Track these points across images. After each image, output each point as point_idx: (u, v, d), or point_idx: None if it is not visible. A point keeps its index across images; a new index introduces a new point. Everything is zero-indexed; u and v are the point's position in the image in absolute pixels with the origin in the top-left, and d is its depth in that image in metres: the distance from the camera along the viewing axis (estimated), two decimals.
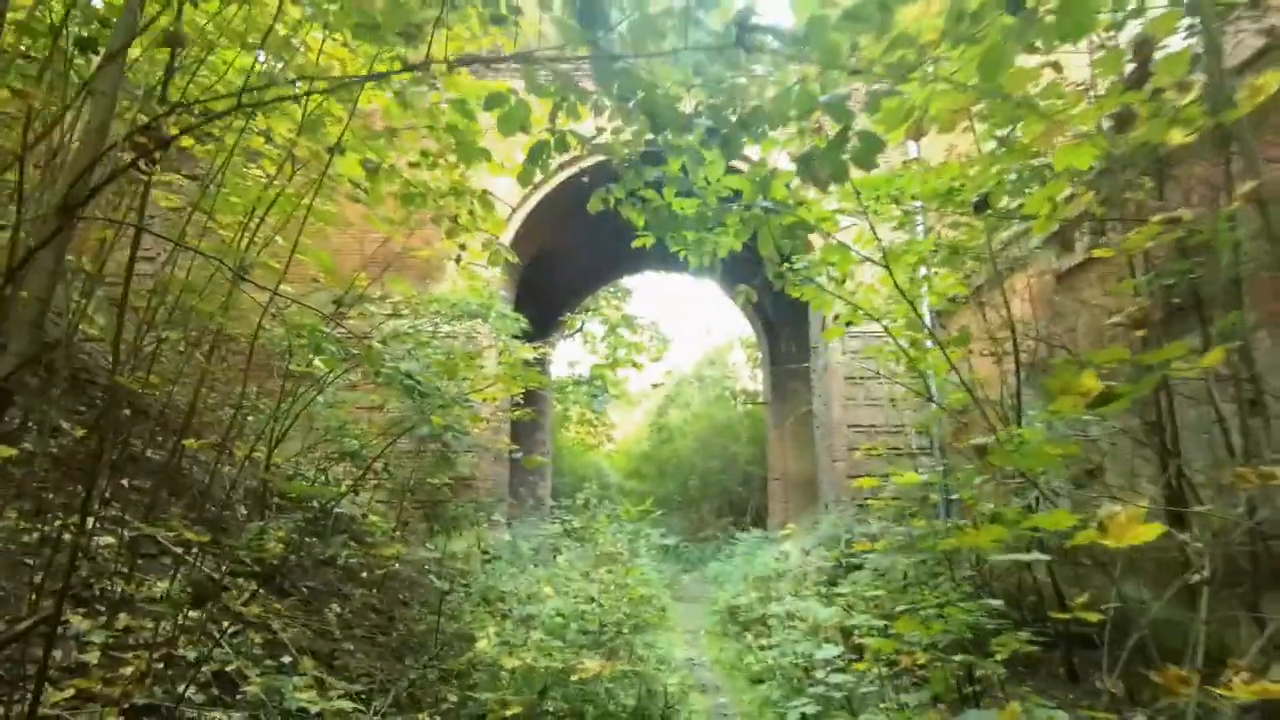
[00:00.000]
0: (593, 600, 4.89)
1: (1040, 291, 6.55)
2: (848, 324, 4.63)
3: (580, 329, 23.79)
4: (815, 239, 5.94)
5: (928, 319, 9.46)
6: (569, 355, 45.16)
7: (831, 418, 9.54)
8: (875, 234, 3.61)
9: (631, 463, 22.42)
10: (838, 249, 3.74)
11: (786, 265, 4.25)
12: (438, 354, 4.75)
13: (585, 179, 10.53)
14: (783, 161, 3.60)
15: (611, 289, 23.37)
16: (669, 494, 18.15)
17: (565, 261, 13.72)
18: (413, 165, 4.60)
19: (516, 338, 7.95)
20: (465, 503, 8.36)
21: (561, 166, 10.42)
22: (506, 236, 10.41)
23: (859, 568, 7.40)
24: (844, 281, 4.27)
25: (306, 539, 5.61)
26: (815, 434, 10.60)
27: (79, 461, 4.84)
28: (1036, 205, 3.14)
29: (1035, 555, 1.48)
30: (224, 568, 4.59)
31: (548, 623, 4.41)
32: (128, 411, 5.23)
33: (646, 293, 24.60)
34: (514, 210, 10.37)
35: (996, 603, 3.76)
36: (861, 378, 9.50)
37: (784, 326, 13.89)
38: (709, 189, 3.44)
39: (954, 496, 8.65)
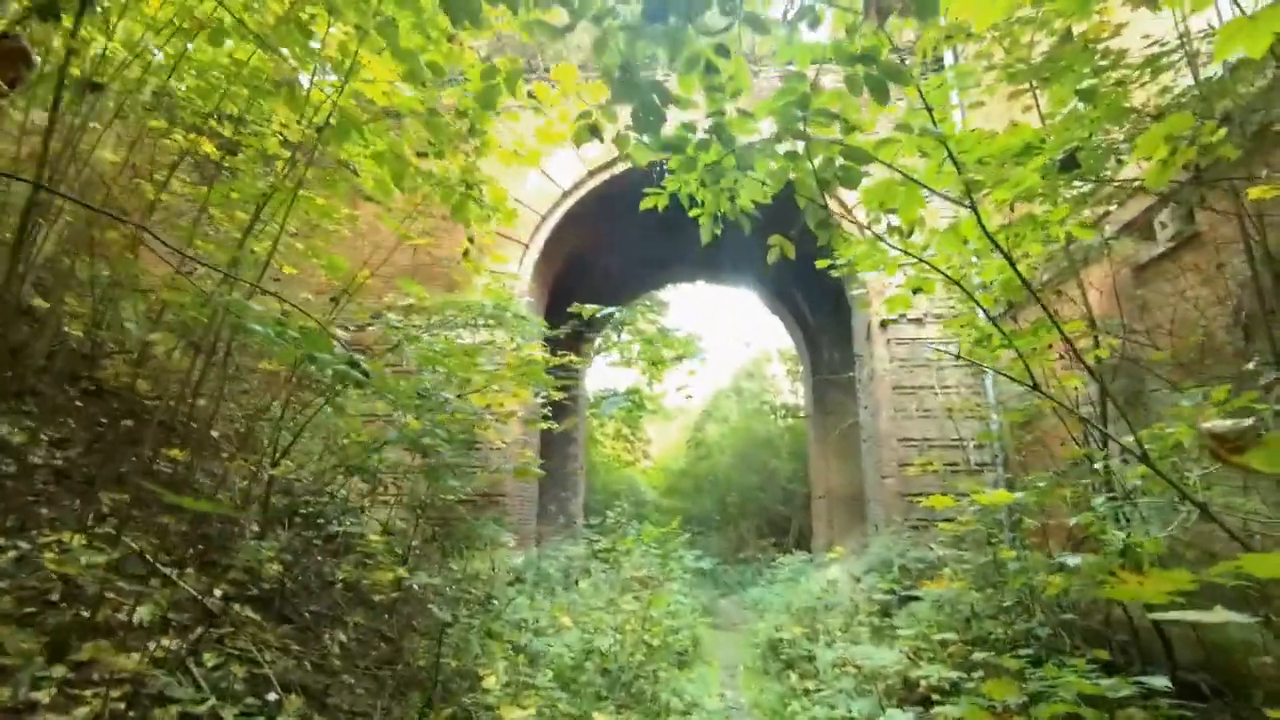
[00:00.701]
0: (614, 633, 4.37)
1: (1119, 285, 5.85)
2: (915, 290, 3.92)
3: (617, 329, 23.44)
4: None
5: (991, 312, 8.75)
6: (604, 370, 44.79)
7: (879, 430, 8.88)
8: (954, 159, 2.95)
9: (668, 479, 21.84)
10: (899, 185, 3.08)
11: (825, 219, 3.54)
12: (449, 359, 4.33)
13: (615, 182, 10.15)
14: (826, 81, 3.04)
15: (647, 301, 23.00)
16: (706, 512, 17.51)
17: (597, 272, 13.33)
18: (420, 155, 4.21)
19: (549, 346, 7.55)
20: (485, 520, 7.92)
21: (592, 173, 10.05)
22: (535, 245, 10.06)
23: (915, 598, 6.73)
24: (910, 233, 3.59)
25: (311, 559, 5.24)
26: (861, 448, 9.92)
27: (82, 474, 4.55)
28: (1149, 147, 2.53)
29: (1233, 616, 0.99)
30: (217, 591, 4.23)
31: (557, 664, 3.91)
32: (130, 422, 4.94)
33: (683, 305, 24.11)
34: (543, 219, 10.02)
35: (1101, 655, 3.11)
36: (912, 387, 8.83)
37: (825, 335, 13.23)
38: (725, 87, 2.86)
39: (1016, 519, 7.90)
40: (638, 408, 26.25)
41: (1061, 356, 6.60)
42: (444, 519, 8.10)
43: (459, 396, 3.60)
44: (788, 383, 20.37)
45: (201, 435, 5.64)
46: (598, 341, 23.89)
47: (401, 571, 3.99)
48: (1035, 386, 3.84)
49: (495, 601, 5.97)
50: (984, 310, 3.42)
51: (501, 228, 10.20)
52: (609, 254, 13.02)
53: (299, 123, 3.52)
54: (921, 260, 3.33)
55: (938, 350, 8.13)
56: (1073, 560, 5.73)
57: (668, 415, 28.41)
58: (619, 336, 24.81)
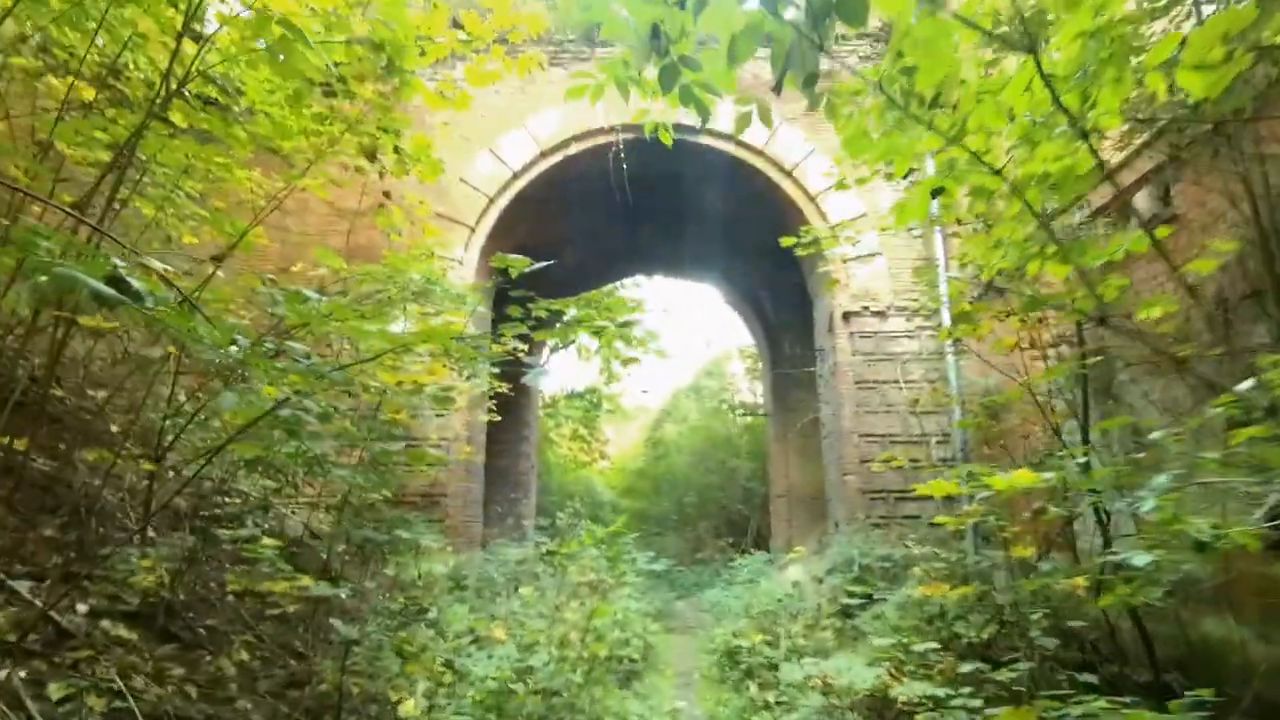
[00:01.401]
0: (553, 647, 3.89)
1: (1089, 270, 5.57)
2: (935, 193, 3.22)
3: (572, 325, 22.86)
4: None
5: (946, 301, 8.51)
6: (560, 369, 44.08)
7: (841, 426, 8.55)
8: None
9: (625, 480, 21.36)
10: (924, 13, 2.26)
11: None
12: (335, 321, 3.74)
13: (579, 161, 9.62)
14: None
15: (608, 293, 22.50)
16: (664, 513, 17.09)
17: (556, 258, 12.76)
18: (328, 93, 3.64)
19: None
20: (419, 521, 7.32)
21: (544, 154, 9.52)
22: (483, 230, 9.47)
23: (879, 599, 6.38)
24: (934, 102, 2.92)
25: (213, 567, 4.62)
26: (823, 445, 9.59)
27: None
28: (1205, 46, 2.01)
29: None
30: (81, 607, 3.60)
31: (484, 685, 3.40)
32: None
33: (645, 301, 23.69)
34: (491, 201, 9.44)
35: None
36: (875, 381, 8.52)
37: (788, 333, 12.93)
38: None
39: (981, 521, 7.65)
40: (595, 407, 25.78)
41: (1030, 346, 6.33)
42: (376, 521, 7.51)
43: (354, 364, 3.05)
44: (748, 381, 20.10)
45: (90, 425, 4.96)
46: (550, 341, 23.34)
47: (306, 580, 3.42)
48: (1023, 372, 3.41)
49: (429, 612, 5.41)
50: (1033, 212, 2.86)
51: (445, 209, 9.63)
52: (567, 246, 12.48)
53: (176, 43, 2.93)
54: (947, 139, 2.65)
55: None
56: (1046, 566, 5.43)
57: (626, 415, 27.94)
58: (575, 334, 24.35)
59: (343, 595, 3.18)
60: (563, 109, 9.53)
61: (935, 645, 3.88)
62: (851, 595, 6.28)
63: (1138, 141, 5.13)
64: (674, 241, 12.44)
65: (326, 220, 9.46)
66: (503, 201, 9.50)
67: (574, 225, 11.63)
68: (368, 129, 3.59)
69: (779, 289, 12.96)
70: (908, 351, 8.50)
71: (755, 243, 11.86)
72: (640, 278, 17.28)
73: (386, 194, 4.40)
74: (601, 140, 9.50)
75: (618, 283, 18.90)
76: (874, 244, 8.85)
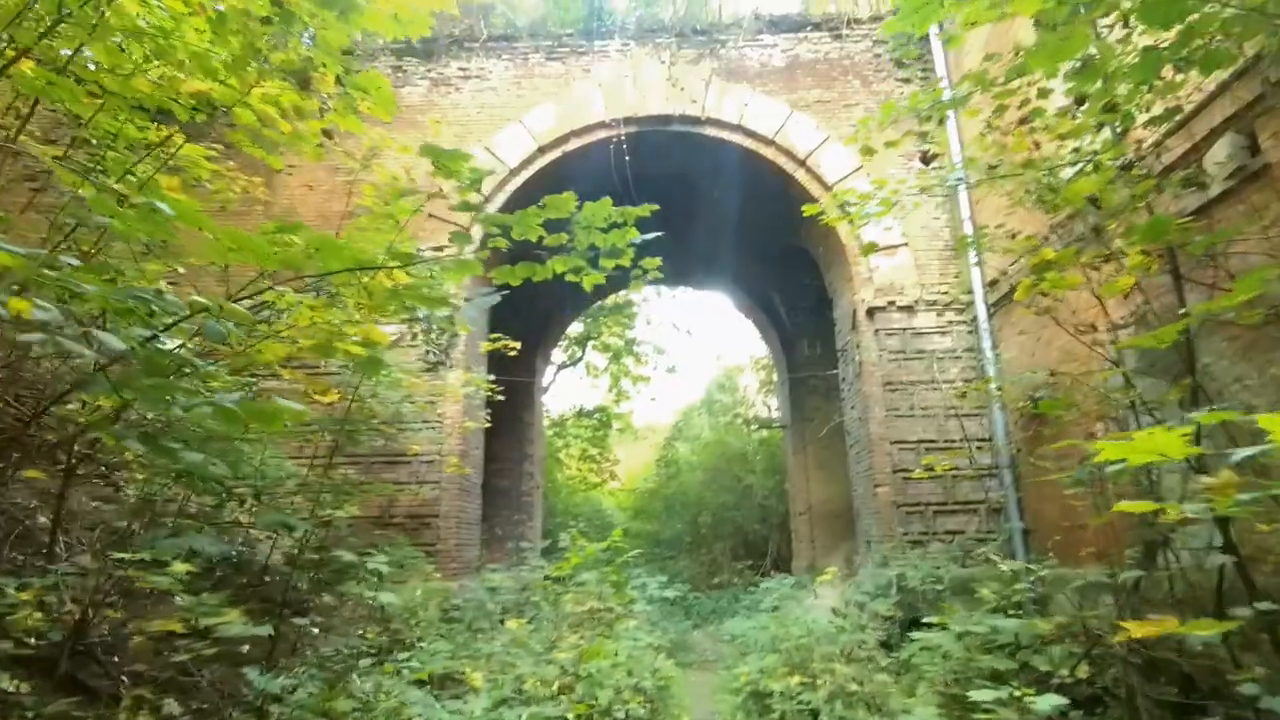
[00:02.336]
0: (537, 692, 3.15)
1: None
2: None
3: (581, 342, 22.17)
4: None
5: (980, 287, 7.75)
6: (569, 387, 43.30)
7: (870, 433, 7.78)
8: None
9: (636, 501, 20.54)
10: None
11: None
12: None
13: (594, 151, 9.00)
14: None
15: (611, 309, 21.82)
16: (677, 535, 16.24)
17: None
18: (264, 21, 2.99)
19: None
20: (401, 544, 6.62)
21: (543, 149, 8.92)
22: (479, 229, 8.84)
23: (920, 623, 5.58)
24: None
25: (134, 602, 3.93)
26: (849, 456, 8.81)
27: None
28: None
29: None
30: None
31: None
32: None
33: (653, 311, 22.89)
34: (486, 200, 8.82)
35: None
36: (906, 382, 7.76)
37: (803, 337, 12.20)
38: None
39: (1023, 526, 6.83)
40: (604, 426, 25.00)
41: (1091, 328, 5.58)
42: (359, 545, 6.81)
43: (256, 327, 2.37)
44: (761, 394, 19.31)
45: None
46: (557, 355, 22.65)
47: (230, 616, 2.71)
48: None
49: (407, 649, 4.67)
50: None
51: (435, 208, 9.02)
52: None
53: None
54: None
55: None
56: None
57: (636, 434, 27.15)
58: (584, 350, 23.67)
59: (263, 632, 2.47)
60: (561, 103, 8.96)
61: (1017, 693, 3.10)
62: (893, 621, 5.49)
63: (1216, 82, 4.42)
64: (682, 245, 11.76)
65: (314, 224, 8.86)
66: (499, 200, 8.89)
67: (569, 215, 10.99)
68: (295, 48, 2.94)
69: (793, 292, 12.26)
70: (940, 349, 7.76)
71: (767, 243, 11.20)
72: (651, 285, 16.69)
73: (327, 133, 3.73)
74: (601, 135, 8.91)
75: (622, 292, 18.31)
76: (897, 235, 8.14)
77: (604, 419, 24.03)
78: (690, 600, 10.44)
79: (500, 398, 8.97)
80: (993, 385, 6.82)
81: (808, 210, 5.39)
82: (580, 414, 23.97)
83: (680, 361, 48.95)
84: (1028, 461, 6.82)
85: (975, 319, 7.45)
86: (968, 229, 7.61)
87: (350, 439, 5.74)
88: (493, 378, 8.88)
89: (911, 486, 7.54)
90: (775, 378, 16.18)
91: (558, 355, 23.62)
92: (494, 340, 7.19)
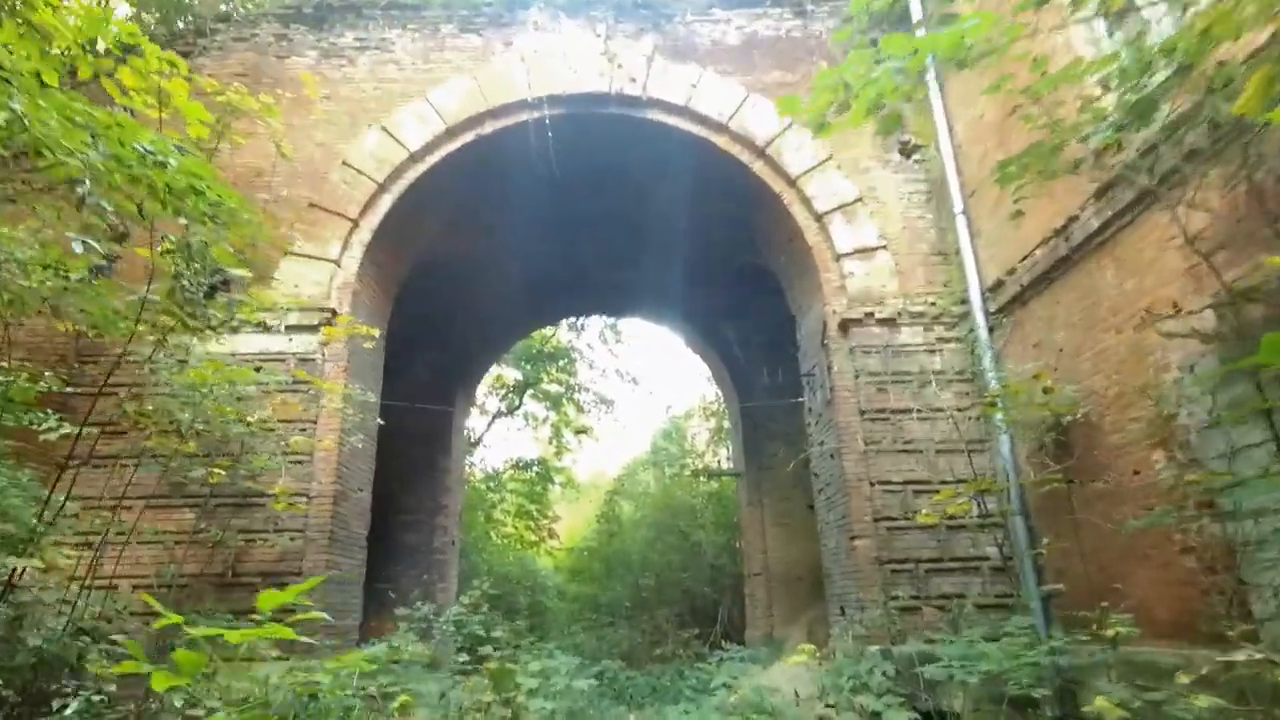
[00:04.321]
0: None
1: (1264, 189, 3.58)
2: None
3: (519, 390, 20.39)
4: None
5: (978, 293, 6.42)
6: (510, 439, 41.11)
7: (844, 473, 6.33)
8: None
9: (574, 561, 18.57)
10: None
11: None
12: None
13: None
14: None
15: (550, 354, 20.20)
16: (616, 599, 14.34)
17: (474, 288, 10.57)
18: None
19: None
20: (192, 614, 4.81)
21: (451, 132, 7.48)
22: (368, 224, 7.23)
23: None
24: None
25: None
26: (818, 503, 7.31)
27: None
28: None
29: None
30: None
31: None
32: None
33: (595, 358, 21.35)
34: (380, 188, 7.28)
35: None
36: (887, 411, 6.38)
37: (758, 373, 10.82)
38: None
39: (1045, 590, 5.39)
40: (544, 480, 23.04)
41: (1147, 317, 4.28)
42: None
43: None
44: (711, 446, 17.83)
45: None
46: (485, 395, 20.80)
47: None
48: None
49: None
50: None
51: (321, 198, 7.40)
52: (493, 262, 10.34)
53: None
54: None
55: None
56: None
57: (578, 490, 25.21)
58: (521, 399, 21.90)
59: None
60: (475, 79, 7.58)
61: None
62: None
63: None
64: (623, 260, 10.39)
65: None
66: (397, 189, 7.35)
67: (497, 233, 9.51)
68: None
69: (747, 322, 10.95)
70: (928, 370, 6.43)
71: (720, 261, 9.90)
72: (593, 316, 15.26)
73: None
74: (524, 117, 7.53)
75: (557, 322, 16.74)
76: (874, 235, 6.90)
77: (544, 473, 22.17)
78: (623, 681, 8.61)
79: (380, 422, 7.25)
80: (998, 415, 5.47)
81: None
82: (518, 466, 22.04)
83: (625, 412, 47.30)
84: (1048, 506, 5.43)
85: (972, 332, 6.16)
86: (961, 226, 6.39)
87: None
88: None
89: (898, 539, 6.07)
90: (727, 423, 14.75)
91: (494, 404, 21.85)
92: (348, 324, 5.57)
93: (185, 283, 4.02)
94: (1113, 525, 4.50)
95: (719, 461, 16.95)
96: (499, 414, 21.52)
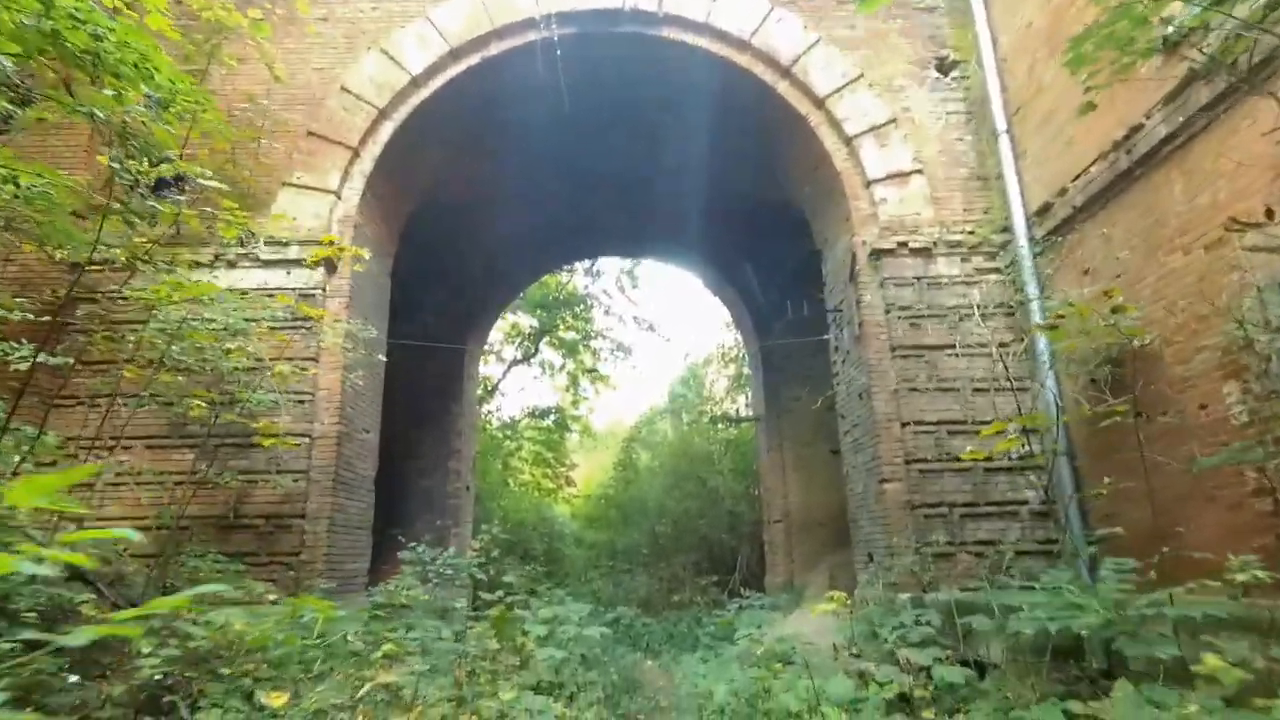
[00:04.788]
0: None
1: None
2: None
3: (534, 337, 20.11)
4: None
5: (1022, 217, 5.89)
6: (527, 389, 41.04)
7: (874, 414, 5.95)
8: None
9: (591, 508, 18.55)
10: None
11: None
12: None
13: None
14: None
15: (566, 300, 19.79)
16: (633, 545, 14.25)
17: (484, 229, 10.15)
18: None
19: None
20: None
21: (455, 54, 6.97)
22: (369, 154, 6.81)
23: (975, 664, 3.74)
24: None
25: None
26: (844, 446, 6.96)
27: None
28: None
29: None
30: None
31: None
32: None
33: (613, 305, 20.88)
34: (381, 114, 6.84)
35: None
36: (921, 347, 5.96)
37: (779, 313, 10.38)
38: None
39: (1098, 534, 5.04)
40: (560, 428, 22.93)
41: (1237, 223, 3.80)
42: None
43: None
44: (730, 388, 17.49)
45: None
46: (500, 343, 20.55)
47: None
48: None
49: None
50: None
51: (319, 126, 6.96)
52: (505, 206, 9.91)
53: None
54: None
55: None
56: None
57: (595, 438, 25.13)
58: (537, 347, 21.62)
59: None
60: None
61: None
62: (929, 675, 3.62)
63: None
64: (638, 198, 9.89)
65: None
66: (399, 116, 6.90)
67: (505, 170, 9.04)
68: None
69: (769, 259, 10.46)
70: (966, 304, 5.97)
71: (740, 197, 9.38)
72: (609, 257, 14.80)
73: None
74: (531, 37, 6.99)
75: (569, 265, 16.31)
76: (909, 159, 6.37)
77: (560, 421, 22.05)
78: (639, 628, 8.47)
79: (383, 359, 6.97)
80: (1053, 341, 5.03)
81: None
82: (534, 414, 21.90)
83: (643, 359, 47.00)
84: (1096, 446, 5.04)
85: (1015, 262, 5.68)
86: (1004, 147, 5.85)
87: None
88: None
89: (931, 482, 5.73)
90: (747, 368, 14.38)
91: (510, 353, 21.59)
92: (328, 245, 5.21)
93: (125, 172, 3.61)
94: (1179, 464, 4.10)
95: (737, 410, 16.65)
96: (515, 362, 21.31)
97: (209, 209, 4.68)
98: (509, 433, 20.99)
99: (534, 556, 13.51)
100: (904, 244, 6.10)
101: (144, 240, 4.22)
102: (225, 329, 4.91)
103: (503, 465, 19.36)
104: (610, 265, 18.45)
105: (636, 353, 40.21)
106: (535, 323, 20.41)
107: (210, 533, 6.01)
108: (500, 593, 5.98)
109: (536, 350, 21.12)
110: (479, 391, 17.87)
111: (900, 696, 3.36)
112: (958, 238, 6.05)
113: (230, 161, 5.94)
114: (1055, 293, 5.40)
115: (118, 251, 4.14)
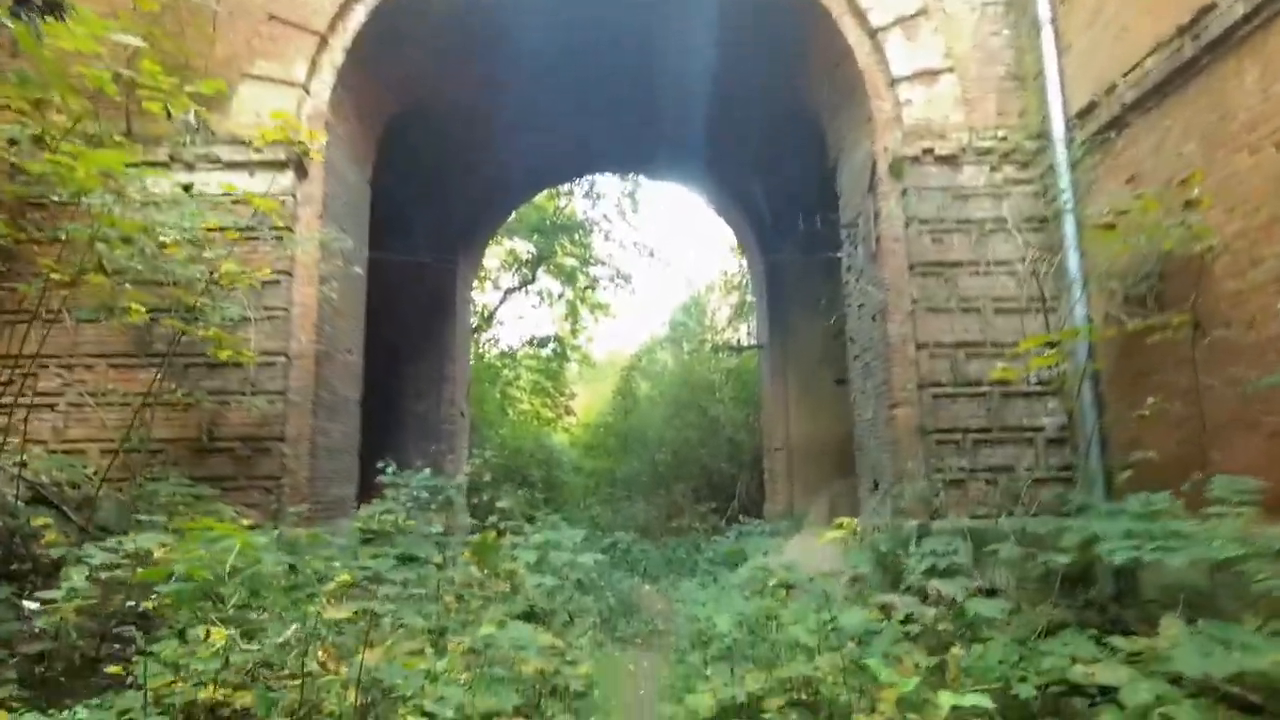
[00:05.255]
0: None
1: None
2: None
3: (531, 263, 19.57)
4: None
5: (1060, 117, 5.38)
6: (525, 318, 40.66)
7: (887, 336, 5.58)
8: None
9: (590, 437, 18.45)
10: None
11: None
12: None
13: None
14: None
15: (563, 224, 19.11)
16: (633, 473, 14.17)
17: (473, 143, 9.51)
18: None
19: None
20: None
21: None
22: (339, 43, 6.15)
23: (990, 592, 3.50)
24: None
25: None
26: (852, 371, 6.62)
27: None
28: None
29: None
30: None
31: None
32: None
33: (613, 230, 20.17)
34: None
35: None
36: (942, 264, 5.54)
37: (786, 233, 9.87)
38: None
39: (1132, 459, 4.76)
40: (559, 357, 22.64)
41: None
42: None
43: None
44: (732, 323, 17.10)
45: None
46: (496, 271, 20.02)
47: None
48: None
49: None
50: None
51: (281, 8, 6.31)
52: (496, 118, 9.25)
53: None
54: None
55: None
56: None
57: (594, 367, 24.90)
58: (534, 274, 21.07)
59: None
60: None
61: None
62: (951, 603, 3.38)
63: None
64: (639, 110, 9.22)
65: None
66: (362, 10, 6.20)
67: (496, 79, 8.36)
68: None
69: (778, 173, 9.86)
70: (993, 217, 5.51)
71: (749, 107, 8.72)
72: (609, 174, 14.15)
73: None
74: None
75: (567, 183, 15.59)
76: (938, 56, 5.77)
77: (560, 350, 21.72)
78: (636, 553, 8.36)
79: (359, 270, 6.54)
80: (1072, 257, 4.61)
81: None
82: (533, 343, 21.54)
83: (643, 288, 46.32)
84: (1124, 369, 4.68)
85: (1051, 170, 5.19)
86: (1046, 40, 5.26)
87: None
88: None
89: (944, 407, 5.41)
90: (751, 296, 13.95)
91: (507, 281, 21.04)
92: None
93: None
94: (1225, 385, 3.75)
95: (739, 340, 16.31)
96: (512, 289, 20.81)
97: (132, 74, 4.07)
98: (508, 361, 20.71)
99: (532, 484, 13.43)
100: (929, 150, 5.58)
101: (61, 122, 3.73)
102: (191, 241, 4.46)
103: (501, 394, 19.16)
104: (610, 189, 17.72)
105: (637, 280, 39.41)
106: (532, 249, 19.80)
107: (184, 456, 5.72)
108: (494, 518, 5.77)
109: (534, 277, 20.59)
110: (475, 319, 17.49)
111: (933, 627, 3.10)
112: (988, 144, 5.53)
113: (176, 39, 5.33)
114: (1097, 198, 4.93)
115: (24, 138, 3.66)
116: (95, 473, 5.31)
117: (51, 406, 5.71)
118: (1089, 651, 2.75)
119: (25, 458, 4.84)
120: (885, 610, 3.31)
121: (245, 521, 4.95)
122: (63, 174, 3.62)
